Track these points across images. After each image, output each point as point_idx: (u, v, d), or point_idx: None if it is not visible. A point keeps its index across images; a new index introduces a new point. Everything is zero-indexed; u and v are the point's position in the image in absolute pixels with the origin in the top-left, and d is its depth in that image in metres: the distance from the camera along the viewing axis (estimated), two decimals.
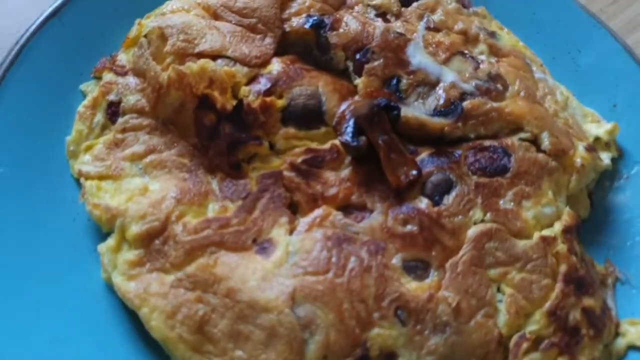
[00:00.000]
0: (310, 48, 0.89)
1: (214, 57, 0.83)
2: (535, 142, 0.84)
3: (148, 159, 0.80)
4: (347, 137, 0.78)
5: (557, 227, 0.78)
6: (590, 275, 0.77)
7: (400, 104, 0.84)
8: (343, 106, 0.82)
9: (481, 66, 0.89)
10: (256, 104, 0.80)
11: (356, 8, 0.93)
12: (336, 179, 0.78)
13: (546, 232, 0.77)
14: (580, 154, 0.84)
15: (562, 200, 0.82)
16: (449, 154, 0.81)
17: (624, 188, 0.89)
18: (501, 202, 0.78)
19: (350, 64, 0.87)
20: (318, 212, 0.75)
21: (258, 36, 0.87)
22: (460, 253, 0.74)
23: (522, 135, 0.84)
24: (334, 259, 0.71)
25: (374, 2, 0.94)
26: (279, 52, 0.87)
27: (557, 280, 0.74)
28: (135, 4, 0.93)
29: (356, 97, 0.83)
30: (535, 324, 0.72)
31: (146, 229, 0.73)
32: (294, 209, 0.76)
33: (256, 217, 0.74)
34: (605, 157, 0.89)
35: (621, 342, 0.76)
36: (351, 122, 0.79)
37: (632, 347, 0.76)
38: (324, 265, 0.70)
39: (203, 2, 0.89)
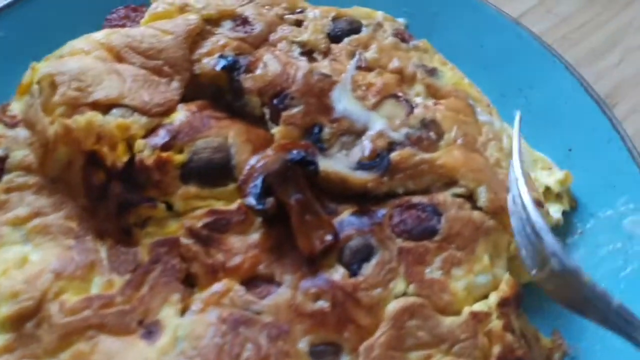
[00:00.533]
0: (222, 92, 0.80)
1: (110, 106, 0.74)
2: (470, 197, 0.74)
3: (32, 224, 0.71)
4: (252, 200, 0.69)
5: (493, 299, 0.68)
6: (530, 356, 0.67)
7: (321, 156, 0.75)
8: (252, 161, 0.73)
9: (415, 111, 0.80)
10: (150, 160, 0.70)
11: (279, 45, 0.84)
12: (242, 246, 0.69)
13: (478, 307, 0.67)
14: None
15: (502, 265, 0.72)
16: (372, 213, 0.72)
17: (578, 245, 0.79)
18: (427, 270, 0.68)
19: (267, 111, 0.78)
20: (217, 287, 0.66)
21: (164, 80, 0.78)
22: (377, 334, 0.64)
23: (456, 190, 0.74)
24: (227, 347, 0.61)
25: (299, 39, 0.85)
26: (188, 97, 0.78)
27: None
28: (37, 45, 0.84)
29: (268, 151, 0.74)
30: None
31: (17, 310, 0.64)
32: (192, 282, 0.67)
33: (144, 294, 0.65)
34: (555, 212, 0.79)
35: None
36: (258, 181, 0.70)
37: None
38: (215, 355, 0.61)
39: (107, 42, 0.80)
